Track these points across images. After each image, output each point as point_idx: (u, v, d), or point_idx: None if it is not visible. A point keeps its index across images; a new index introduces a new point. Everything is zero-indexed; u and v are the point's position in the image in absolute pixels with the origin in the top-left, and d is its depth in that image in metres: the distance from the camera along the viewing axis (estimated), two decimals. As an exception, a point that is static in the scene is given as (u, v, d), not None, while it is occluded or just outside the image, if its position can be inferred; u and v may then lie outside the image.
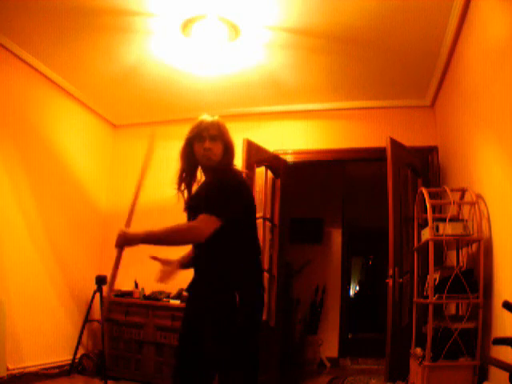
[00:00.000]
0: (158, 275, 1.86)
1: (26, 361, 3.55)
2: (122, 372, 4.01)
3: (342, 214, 6.06)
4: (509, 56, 2.16)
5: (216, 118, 1.98)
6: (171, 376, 1.89)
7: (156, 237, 1.77)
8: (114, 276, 1.87)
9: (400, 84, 3.97)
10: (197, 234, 1.75)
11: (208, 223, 1.73)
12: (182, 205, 2.00)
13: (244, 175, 3.72)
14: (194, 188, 2.01)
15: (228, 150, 1.95)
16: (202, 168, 1.99)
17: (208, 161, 1.92)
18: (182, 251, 2.00)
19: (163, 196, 4.34)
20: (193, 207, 1.91)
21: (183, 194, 1.99)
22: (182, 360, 1.84)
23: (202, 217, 1.75)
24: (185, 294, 3.30)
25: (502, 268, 2.34)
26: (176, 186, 1.98)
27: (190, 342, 1.84)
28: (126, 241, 1.77)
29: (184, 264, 1.97)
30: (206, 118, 1.97)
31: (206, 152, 1.90)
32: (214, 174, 1.93)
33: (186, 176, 1.99)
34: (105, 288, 4.12)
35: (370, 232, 8.71)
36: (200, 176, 2.01)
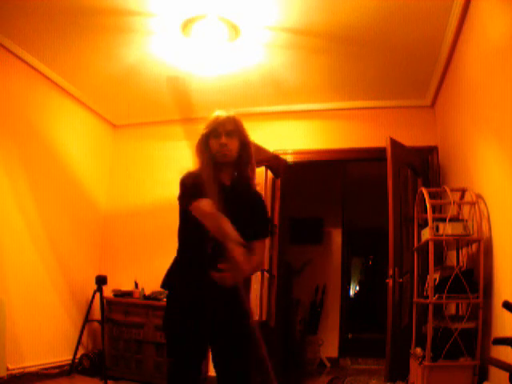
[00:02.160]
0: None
1: (26, 361, 3.55)
2: (122, 372, 4.02)
3: (341, 214, 6.06)
4: (509, 56, 2.16)
5: (232, 113, 1.95)
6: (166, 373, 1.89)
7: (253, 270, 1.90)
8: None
9: (400, 84, 3.97)
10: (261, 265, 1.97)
11: (265, 247, 1.95)
12: (177, 205, 1.92)
13: None
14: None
15: (245, 146, 1.93)
16: (216, 163, 1.91)
17: (224, 157, 1.89)
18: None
19: (163, 196, 4.34)
20: (232, 205, 1.81)
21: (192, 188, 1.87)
22: (189, 358, 1.83)
23: (264, 244, 1.93)
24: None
25: (502, 268, 2.34)
26: (190, 181, 1.89)
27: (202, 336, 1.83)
28: (238, 278, 1.72)
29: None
30: (222, 113, 1.93)
31: (221, 148, 1.87)
32: (236, 172, 1.94)
33: (204, 171, 1.90)
34: (105, 288, 4.12)
35: (370, 232, 8.71)
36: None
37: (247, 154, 1.94)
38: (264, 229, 1.96)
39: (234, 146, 1.89)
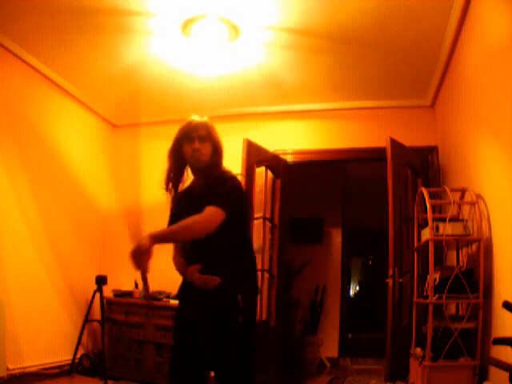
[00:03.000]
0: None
1: (25, 361, 3.55)
2: (122, 372, 4.01)
3: (342, 214, 6.05)
4: (509, 56, 2.16)
5: (205, 118, 1.98)
6: (168, 375, 1.89)
7: (172, 234, 1.75)
8: (147, 289, 1.85)
9: (400, 84, 3.97)
10: (207, 226, 1.74)
11: (216, 215, 1.75)
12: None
13: (243, 175, 3.75)
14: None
15: (217, 150, 1.95)
16: (191, 169, 1.98)
17: (197, 162, 1.92)
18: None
19: (163, 196, 4.34)
20: (189, 207, 1.88)
21: (170, 194, 1.99)
22: (182, 361, 1.83)
23: (209, 209, 1.75)
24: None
25: (502, 268, 2.34)
26: (163, 186, 1.98)
27: (191, 342, 1.82)
28: (143, 251, 1.65)
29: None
30: (195, 118, 1.97)
31: (194, 153, 1.90)
32: (206, 175, 1.93)
33: (174, 176, 1.98)
34: (105, 288, 4.12)
35: (370, 232, 8.73)
36: (186, 176, 2.01)
37: (219, 158, 1.96)
38: (214, 200, 1.79)
39: (206, 150, 1.92)
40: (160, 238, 1.67)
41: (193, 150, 1.90)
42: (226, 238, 1.80)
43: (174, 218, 1.96)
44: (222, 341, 1.76)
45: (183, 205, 1.95)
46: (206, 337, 1.78)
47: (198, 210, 1.76)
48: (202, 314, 1.81)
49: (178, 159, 1.96)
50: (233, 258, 1.86)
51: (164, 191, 2.00)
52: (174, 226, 1.75)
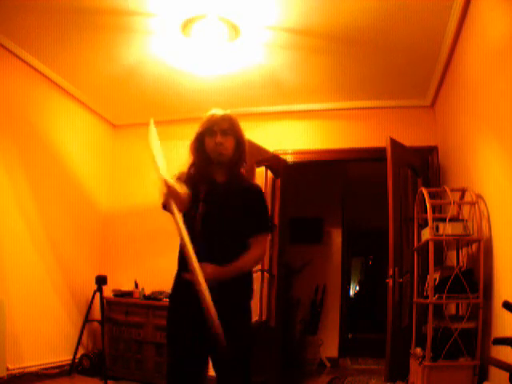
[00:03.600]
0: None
1: (25, 361, 3.55)
2: (122, 372, 4.01)
3: (341, 214, 6.05)
4: (509, 56, 2.16)
5: (228, 111, 1.95)
6: (166, 375, 1.87)
7: (236, 271, 1.78)
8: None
9: (400, 84, 3.97)
10: (263, 257, 1.91)
11: (267, 242, 1.91)
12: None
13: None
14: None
15: (240, 144, 1.92)
16: (214, 162, 1.91)
17: (219, 156, 1.87)
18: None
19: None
20: (207, 198, 1.84)
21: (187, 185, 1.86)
22: (185, 362, 1.82)
23: (262, 238, 1.86)
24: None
25: (502, 268, 2.34)
26: (183, 178, 1.89)
27: (198, 342, 1.79)
28: (215, 280, 1.67)
29: None
30: (217, 111, 1.93)
31: (217, 147, 1.86)
32: (230, 171, 1.91)
33: (199, 170, 1.91)
34: (105, 288, 4.12)
35: (370, 232, 8.72)
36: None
37: (242, 153, 1.93)
38: (261, 224, 1.89)
39: (229, 144, 1.88)
40: (230, 274, 1.74)
41: (215, 143, 1.86)
42: (238, 240, 1.82)
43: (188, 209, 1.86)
44: (232, 341, 1.70)
45: (201, 193, 1.86)
46: (214, 338, 1.70)
47: (218, 204, 1.80)
48: (218, 313, 1.71)
49: (201, 154, 1.91)
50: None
51: (182, 183, 1.89)
52: (239, 264, 1.78)
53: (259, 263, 1.87)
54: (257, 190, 1.96)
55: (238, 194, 1.87)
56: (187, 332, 1.82)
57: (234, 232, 1.80)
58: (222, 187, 1.89)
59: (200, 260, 1.66)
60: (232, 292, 1.78)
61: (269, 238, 1.87)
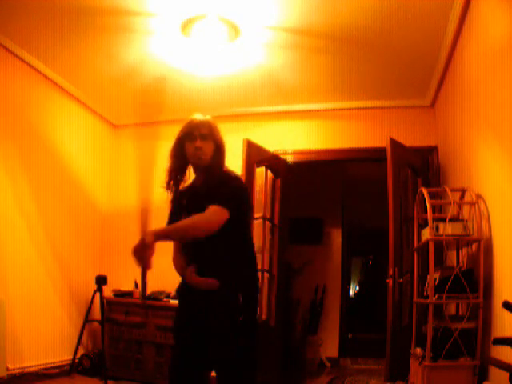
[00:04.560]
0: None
1: (25, 361, 3.55)
2: (122, 372, 4.01)
3: (341, 214, 6.06)
4: (509, 56, 2.16)
5: (207, 117, 1.97)
6: (168, 375, 1.89)
7: (175, 231, 1.78)
8: (145, 283, 1.84)
9: (400, 84, 3.97)
10: (210, 225, 1.75)
11: (220, 215, 1.76)
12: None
13: (243, 175, 3.74)
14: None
15: (219, 149, 1.94)
16: (193, 168, 1.98)
17: (199, 160, 1.91)
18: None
19: (163, 196, 4.33)
20: (189, 205, 1.90)
21: (171, 193, 1.98)
22: (182, 359, 1.83)
23: (213, 208, 1.76)
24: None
25: (502, 268, 2.34)
26: (165, 185, 1.98)
27: (192, 341, 1.82)
28: (144, 245, 1.68)
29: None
30: (197, 116, 1.96)
31: (196, 151, 1.89)
32: (208, 174, 1.92)
33: (175, 175, 1.98)
34: (105, 288, 4.12)
35: (370, 232, 8.71)
36: (188, 175, 2.01)
37: (221, 157, 1.95)
38: (216, 198, 1.79)
39: (208, 149, 1.91)
40: (163, 234, 1.70)
41: (195, 148, 1.89)
42: (225, 237, 1.80)
43: (174, 217, 1.96)
44: (222, 340, 1.75)
45: (183, 203, 1.95)
46: (205, 336, 1.78)
47: (199, 208, 1.77)
48: (202, 313, 1.80)
49: (180, 158, 1.95)
50: (232, 258, 1.85)
51: (165, 190, 2.00)
52: (178, 224, 1.77)
53: (204, 228, 1.74)
54: (226, 178, 1.92)
55: (211, 191, 1.88)
56: (188, 330, 1.85)
57: (216, 234, 1.78)
58: (199, 191, 1.93)
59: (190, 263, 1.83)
60: (222, 285, 1.79)
61: (224, 212, 1.74)
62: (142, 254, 1.66)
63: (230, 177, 1.92)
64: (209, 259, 1.85)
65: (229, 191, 1.84)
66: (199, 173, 1.96)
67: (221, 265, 1.83)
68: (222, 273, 1.79)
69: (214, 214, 1.76)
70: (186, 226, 1.75)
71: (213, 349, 1.77)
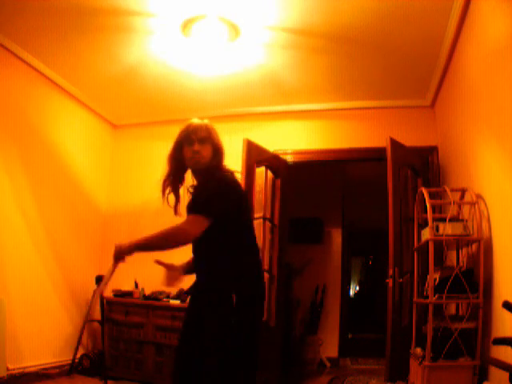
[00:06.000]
0: (164, 280, 1.90)
1: (26, 361, 3.55)
2: (122, 372, 4.01)
3: (341, 214, 6.05)
4: (509, 56, 2.16)
5: (205, 120, 1.98)
6: (170, 375, 1.90)
7: (147, 243, 1.77)
8: (106, 283, 1.92)
9: (400, 84, 3.97)
10: (185, 236, 1.77)
11: (195, 223, 1.76)
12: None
13: (243, 175, 3.74)
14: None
15: (217, 152, 1.94)
16: (191, 171, 1.98)
17: (197, 164, 1.91)
18: (186, 255, 2.01)
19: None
20: (187, 210, 1.90)
21: (167, 199, 1.96)
22: (182, 359, 1.84)
23: (188, 218, 1.78)
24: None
25: (502, 268, 2.34)
26: (160, 190, 1.97)
27: (189, 341, 1.84)
28: (121, 253, 1.77)
29: (187, 269, 1.99)
30: (195, 120, 1.97)
31: (194, 155, 1.89)
32: (204, 176, 1.93)
33: (174, 180, 1.97)
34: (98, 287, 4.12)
35: (370, 232, 8.72)
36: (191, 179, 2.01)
37: (219, 160, 1.95)
38: (193, 206, 1.82)
39: (207, 152, 1.91)
40: (137, 246, 1.75)
41: (192, 152, 1.89)
42: (214, 240, 1.81)
43: None
44: (209, 339, 1.78)
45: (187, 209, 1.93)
46: (192, 332, 1.84)
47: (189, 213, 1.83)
48: (193, 313, 1.87)
49: (178, 162, 1.95)
50: (221, 260, 1.84)
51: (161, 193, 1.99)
52: (151, 235, 1.76)
53: (179, 239, 1.75)
54: (205, 180, 1.90)
55: (192, 198, 1.91)
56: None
57: (203, 237, 1.78)
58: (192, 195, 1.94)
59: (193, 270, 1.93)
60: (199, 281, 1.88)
61: (203, 220, 1.73)
62: (117, 261, 1.78)
63: (212, 179, 1.87)
64: (198, 261, 1.92)
65: (205, 195, 1.81)
66: (198, 177, 1.96)
67: (208, 266, 1.87)
68: (209, 273, 1.85)
69: (189, 223, 1.77)
70: (157, 238, 1.76)
71: (205, 348, 1.78)
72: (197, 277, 1.94)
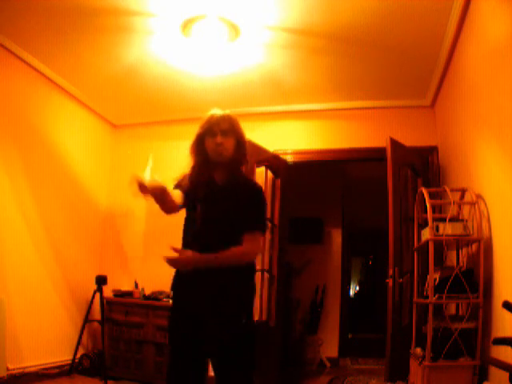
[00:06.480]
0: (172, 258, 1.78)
1: (25, 361, 3.55)
2: (122, 372, 4.02)
3: (341, 214, 6.06)
4: (509, 56, 2.16)
5: (227, 112, 1.93)
6: (166, 375, 1.86)
7: (217, 263, 1.75)
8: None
9: (400, 84, 3.97)
10: (255, 255, 1.85)
11: (260, 242, 1.86)
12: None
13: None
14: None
15: (240, 145, 1.90)
16: (213, 163, 1.90)
17: (220, 156, 1.86)
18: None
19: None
20: (208, 198, 1.85)
21: (183, 189, 1.90)
22: (182, 359, 1.82)
23: (255, 237, 1.81)
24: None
25: (502, 268, 2.34)
26: (175, 183, 1.94)
27: (196, 339, 1.78)
28: (185, 266, 1.75)
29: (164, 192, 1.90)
30: (217, 112, 1.91)
31: (217, 147, 1.85)
32: (230, 173, 1.90)
33: (199, 172, 1.90)
34: (105, 288, 4.12)
35: (370, 232, 8.71)
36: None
37: (243, 153, 1.92)
38: (255, 222, 1.83)
39: (229, 144, 1.87)
40: (204, 261, 1.72)
41: (215, 144, 1.85)
42: (238, 239, 1.79)
43: (189, 209, 1.92)
44: (228, 341, 1.73)
45: (200, 194, 1.87)
46: (211, 335, 1.74)
47: (217, 206, 1.81)
48: (208, 311, 1.75)
49: (201, 154, 1.90)
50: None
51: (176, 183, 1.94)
52: (221, 257, 1.73)
53: (247, 260, 1.80)
54: (256, 189, 1.92)
55: (237, 194, 1.86)
56: (185, 332, 1.81)
57: (232, 232, 1.78)
58: (221, 187, 1.89)
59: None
60: (230, 284, 1.77)
61: (263, 238, 1.82)
62: (178, 264, 1.75)
63: (259, 190, 1.93)
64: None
65: (262, 210, 1.89)
66: (220, 169, 1.90)
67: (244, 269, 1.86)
68: (233, 270, 1.78)
69: (257, 244, 1.84)
70: (231, 259, 1.76)
71: (217, 348, 1.74)
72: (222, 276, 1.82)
